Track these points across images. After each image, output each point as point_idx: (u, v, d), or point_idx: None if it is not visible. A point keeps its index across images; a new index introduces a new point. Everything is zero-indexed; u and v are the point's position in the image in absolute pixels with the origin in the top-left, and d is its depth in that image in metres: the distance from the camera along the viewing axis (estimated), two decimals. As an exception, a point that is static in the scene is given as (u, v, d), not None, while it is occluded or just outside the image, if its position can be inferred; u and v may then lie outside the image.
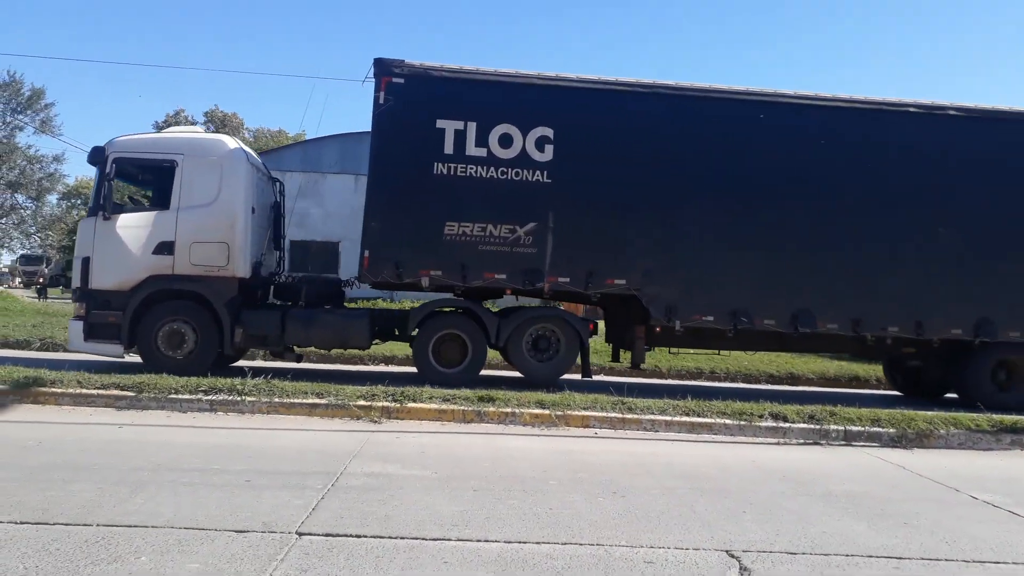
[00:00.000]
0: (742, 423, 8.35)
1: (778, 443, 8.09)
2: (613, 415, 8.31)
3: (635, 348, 11.36)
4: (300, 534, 4.06)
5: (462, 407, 8.24)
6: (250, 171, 10.63)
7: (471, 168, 10.56)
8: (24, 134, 45.43)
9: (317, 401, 8.18)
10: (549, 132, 10.69)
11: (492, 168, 10.59)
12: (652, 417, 8.33)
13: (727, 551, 4.17)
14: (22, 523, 4.00)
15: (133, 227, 10.10)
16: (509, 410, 8.22)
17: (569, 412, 8.27)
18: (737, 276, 10.90)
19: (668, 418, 8.34)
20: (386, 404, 8.18)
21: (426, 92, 10.61)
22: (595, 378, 11.97)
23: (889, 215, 11.14)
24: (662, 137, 10.95)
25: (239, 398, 8.09)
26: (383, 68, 10.53)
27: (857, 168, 11.17)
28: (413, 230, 10.57)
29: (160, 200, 10.42)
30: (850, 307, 11.03)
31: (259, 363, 11.77)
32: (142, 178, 11.31)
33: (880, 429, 8.39)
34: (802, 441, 8.20)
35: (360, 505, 4.68)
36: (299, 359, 11.63)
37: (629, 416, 8.31)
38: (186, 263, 10.11)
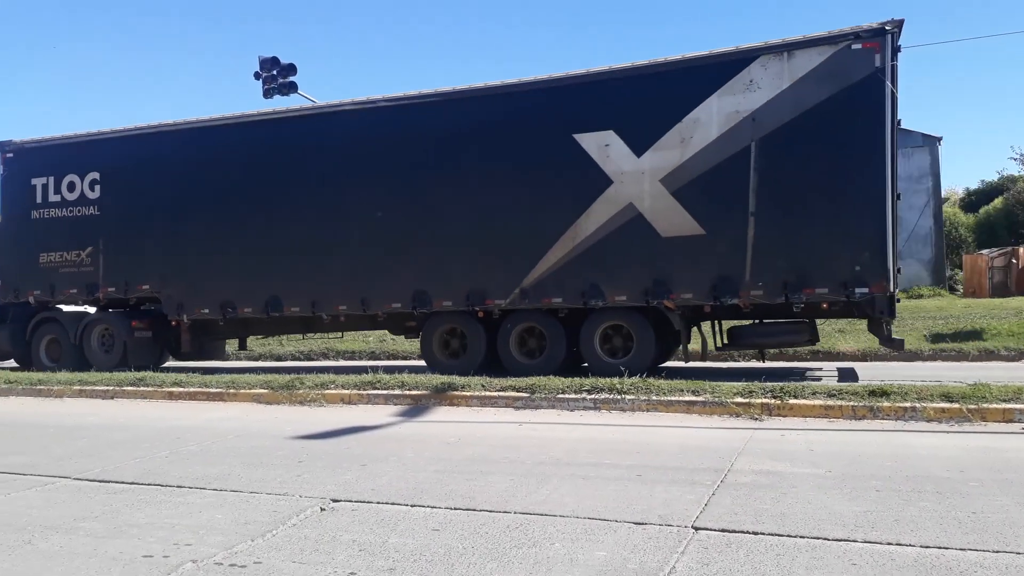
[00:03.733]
0: None
1: None
2: (1045, 407, 7.08)
3: (182, 340, 13.89)
4: (696, 528, 4.11)
5: (851, 403, 7.65)
6: None
7: (52, 211, 14.34)
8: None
9: (694, 399, 8.24)
10: (97, 175, 14.05)
11: (64, 208, 14.23)
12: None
13: None
14: (455, 508, 4.62)
15: None
16: (908, 404, 7.45)
17: (985, 405, 7.23)
18: (223, 274, 13.22)
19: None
20: (765, 401, 7.93)
21: (26, 160, 14.62)
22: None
23: (331, 205, 12.54)
24: (161, 167, 13.54)
25: (620, 396, 8.48)
26: (2, 147, 14.76)
27: (291, 172, 12.75)
28: (23, 262, 14.52)
29: None
30: (308, 291, 12.66)
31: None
32: None
33: None
34: None
35: (752, 502, 4.59)
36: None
37: (1067, 408, 7.01)
38: None
